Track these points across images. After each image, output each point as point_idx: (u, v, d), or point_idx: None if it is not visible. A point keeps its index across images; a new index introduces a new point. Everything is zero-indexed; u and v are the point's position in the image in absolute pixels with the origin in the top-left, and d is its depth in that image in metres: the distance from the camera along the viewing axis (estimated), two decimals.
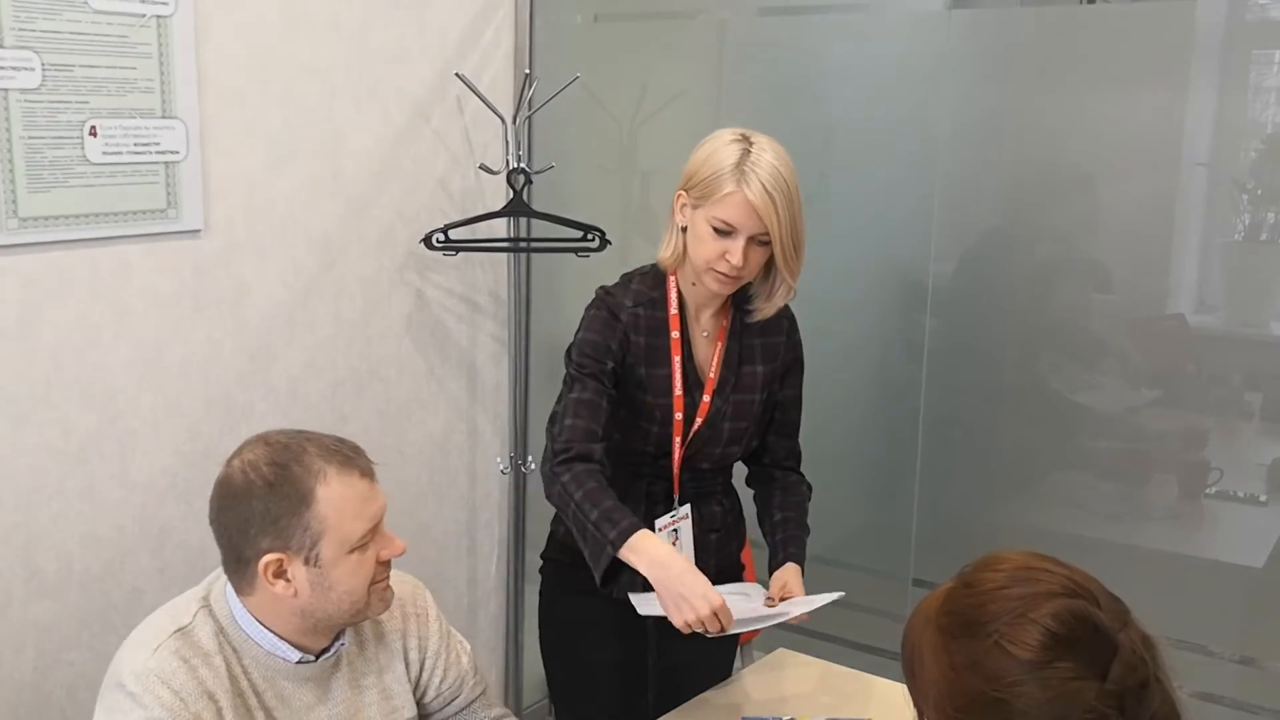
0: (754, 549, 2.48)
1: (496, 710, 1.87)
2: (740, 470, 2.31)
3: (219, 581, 1.65)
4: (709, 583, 1.85)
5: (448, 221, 2.98)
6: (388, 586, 1.65)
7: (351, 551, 1.56)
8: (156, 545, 2.57)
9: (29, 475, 2.33)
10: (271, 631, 1.61)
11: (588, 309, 2.11)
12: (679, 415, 2.10)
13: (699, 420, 2.11)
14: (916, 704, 1.10)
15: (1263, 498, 2.79)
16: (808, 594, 2.09)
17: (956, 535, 3.23)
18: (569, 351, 2.10)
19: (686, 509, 2.16)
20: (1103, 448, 3.03)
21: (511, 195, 3.00)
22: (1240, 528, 2.85)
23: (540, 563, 2.33)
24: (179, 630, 1.58)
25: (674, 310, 2.09)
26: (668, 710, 2.12)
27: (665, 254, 2.07)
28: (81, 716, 2.41)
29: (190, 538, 2.62)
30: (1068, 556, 3.45)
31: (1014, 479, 3.12)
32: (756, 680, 2.28)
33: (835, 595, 2.03)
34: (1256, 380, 2.76)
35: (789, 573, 2.12)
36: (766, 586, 2.14)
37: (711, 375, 2.12)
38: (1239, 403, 2.82)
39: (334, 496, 1.54)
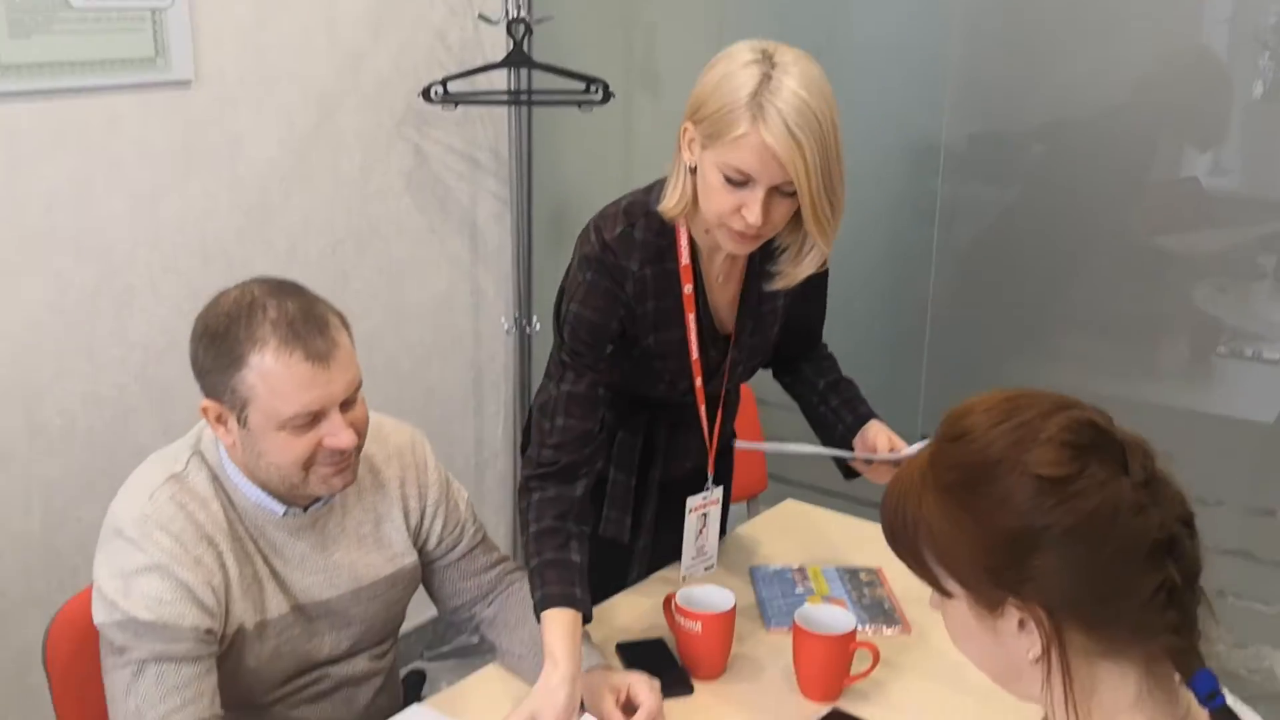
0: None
1: (496, 554, 1.86)
2: None
3: (207, 429, 1.61)
4: (572, 710, 1.55)
5: (446, 74, 2.88)
6: (339, 472, 1.54)
7: (281, 428, 1.47)
8: (159, 405, 2.55)
9: (27, 332, 2.30)
10: (254, 484, 1.56)
11: (583, 266, 1.72)
12: (699, 381, 1.85)
13: (725, 377, 1.90)
14: (934, 581, 1.05)
15: (1274, 356, 2.78)
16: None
17: (964, 397, 3.21)
18: (560, 320, 1.78)
19: (719, 493, 1.97)
20: (1114, 308, 3.00)
21: (511, 46, 2.89)
22: (1251, 385, 2.83)
23: None
24: (173, 476, 1.55)
25: (685, 260, 1.74)
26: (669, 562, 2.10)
27: (671, 202, 1.65)
28: (89, 571, 2.43)
29: (193, 397, 2.60)
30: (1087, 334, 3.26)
31: (1024, 340, 3.09)
32: (765, 531, 2.28)
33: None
34: (1270, 242, 2.72)
35: (876, 431, 1.90)
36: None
37: (731, 330, 1.86)
38: (1252, 264, 2.79)
39: (266, 370, 1.45)
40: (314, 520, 1.63)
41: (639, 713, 1.55)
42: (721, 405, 1.99)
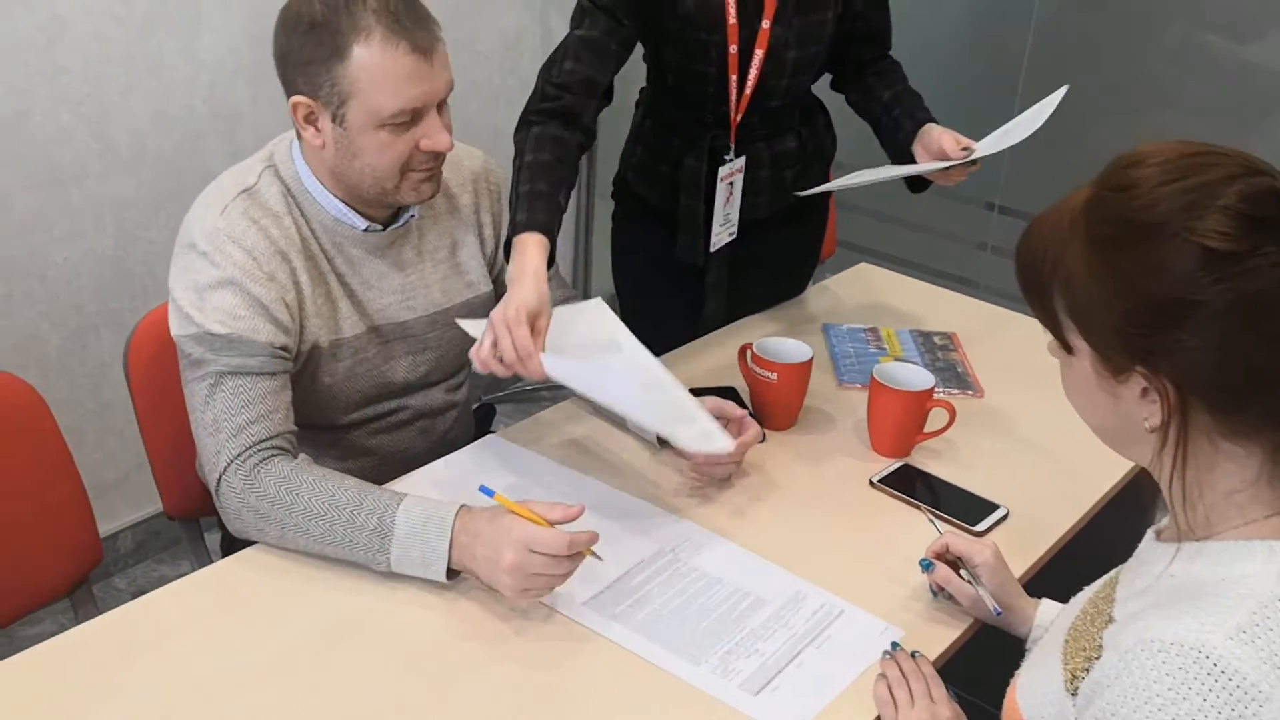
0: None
1: (567, 290, 1.83)
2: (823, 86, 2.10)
3: (283, 143, 1.57)
4: (527, 308, 1.45)
5: None
6: (429, 178, 1.51)
7: (381, 127, 1.43)
8: (227, 128, 2.50)
9: (95, 43, 2.24)
10: (336, 197, 1.53)
11: None
12: (733, 49, 1.82)
13: (758, 53, 1.84)
14: (1059, 333, 0.98)
15: None
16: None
17: (1050, 165, 3.12)
18: None
19: (740, 162, 1.94)
20: (1215, 85, 2.85)
21: None
22: None
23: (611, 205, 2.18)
24: (245, 191, 1.50)
25: None
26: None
27: None
28: (162, 292, 2.43)
29: (261, 123, 2.55)
30: None
31: (1117, 112, 2.96)
32: (838, 292, 2.25)
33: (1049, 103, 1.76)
34: None
35: (938, 133, 1.85)
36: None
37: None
38: None
39: (370, 61, 1.39)
40: (392, 239, 1.60)
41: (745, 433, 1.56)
42: (790, 118, 1.97)
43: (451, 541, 1.32)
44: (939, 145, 1.84)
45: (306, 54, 1.41)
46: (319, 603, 1.33)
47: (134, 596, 1.34)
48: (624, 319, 1.73)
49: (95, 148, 2.31)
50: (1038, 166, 3.12)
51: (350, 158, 1.47)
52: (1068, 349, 0.98)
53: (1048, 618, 1.28)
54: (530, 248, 1.53)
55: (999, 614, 1.29)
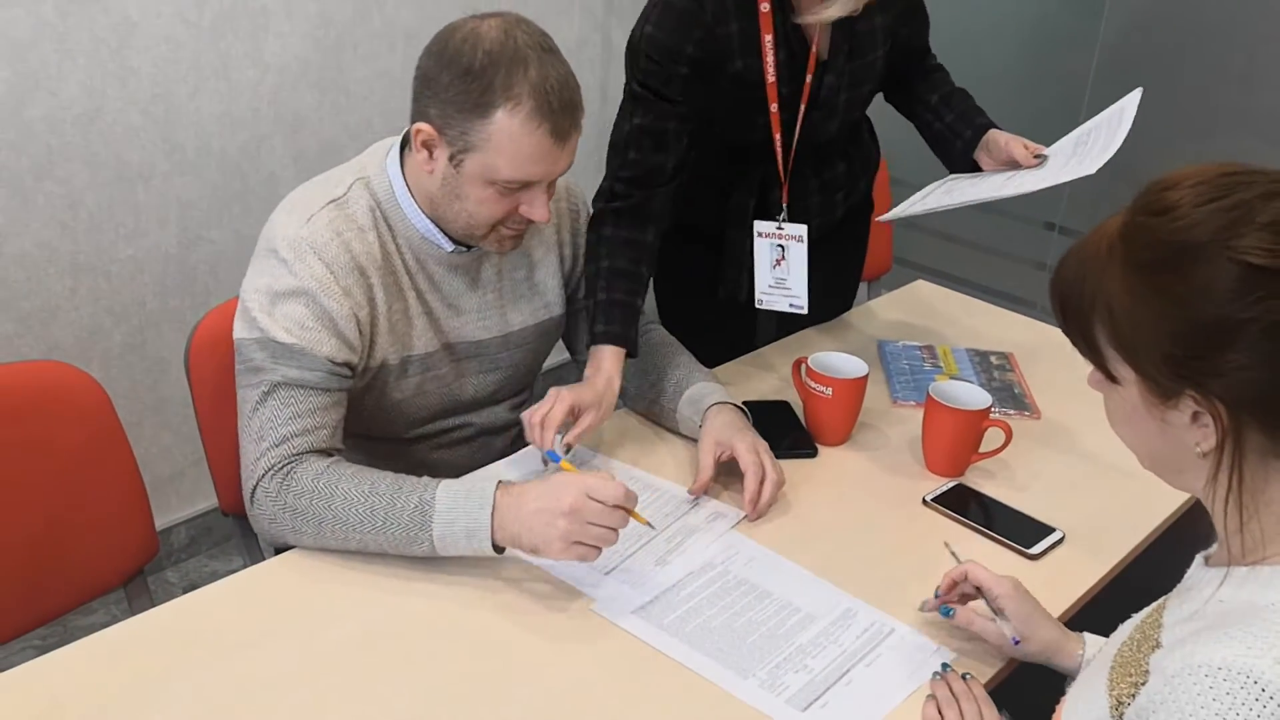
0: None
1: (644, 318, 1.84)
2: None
3: (377, 153, 1.58)
4: (607, 404, 1.61)
5: None
6: (514, 238, 1.54)
7: (492, 184, 1.45)
8: (291, 132, 2.54)
9: (165, 46, 2.28)
10: (427, 216, 1.53)
11: None
12: (774, 107, 1.79)
13: (802, 107, 1.81)
14: (1102, 363, 0.97)
15: None
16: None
17: (1112, 186, 3.08)
18: (632, 46, 1.73)
19: (801, 231, 1.88)
20: None
21: None
22: None
23: None
24: (333, 201, 1.51)
25: None
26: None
27: None
28: (222, 291, 2.49)
29: (324, 129, 2.59)
30: None
31: (1182, 134, 2.91)
32: (894, 309, 2.23)
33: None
34: None
35: (1005, 140, 1.82)
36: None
37: (814, 47, 1.76)
38: None
39: (508, 130, 1.40)
40: (475, 259, 1.61)
41: (749, 484, 1.53)
42: (837, 147, 1.94)
43: (494, 509, 1.34)
44: (1008, 154, 1.81)
45: (451, 94, 1.41)
46: (367, 604, 1.33)
47: (186, 590, 1.36)
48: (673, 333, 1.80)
49: (163, 148, 2.35)
50: (1101, 188, 3.07)
51: (453, 198, 1.49)
52: (1112, 379, 0.97)
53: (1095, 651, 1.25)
54: (606, 359, 1.64)
55: (1017, 643, 1.26)
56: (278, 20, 2.44)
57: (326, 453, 1.47)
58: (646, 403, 1.74)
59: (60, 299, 2.30)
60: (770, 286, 1.92)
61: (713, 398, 1.64)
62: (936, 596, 1.33)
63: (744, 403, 1.73)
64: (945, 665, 1.25)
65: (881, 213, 2.04)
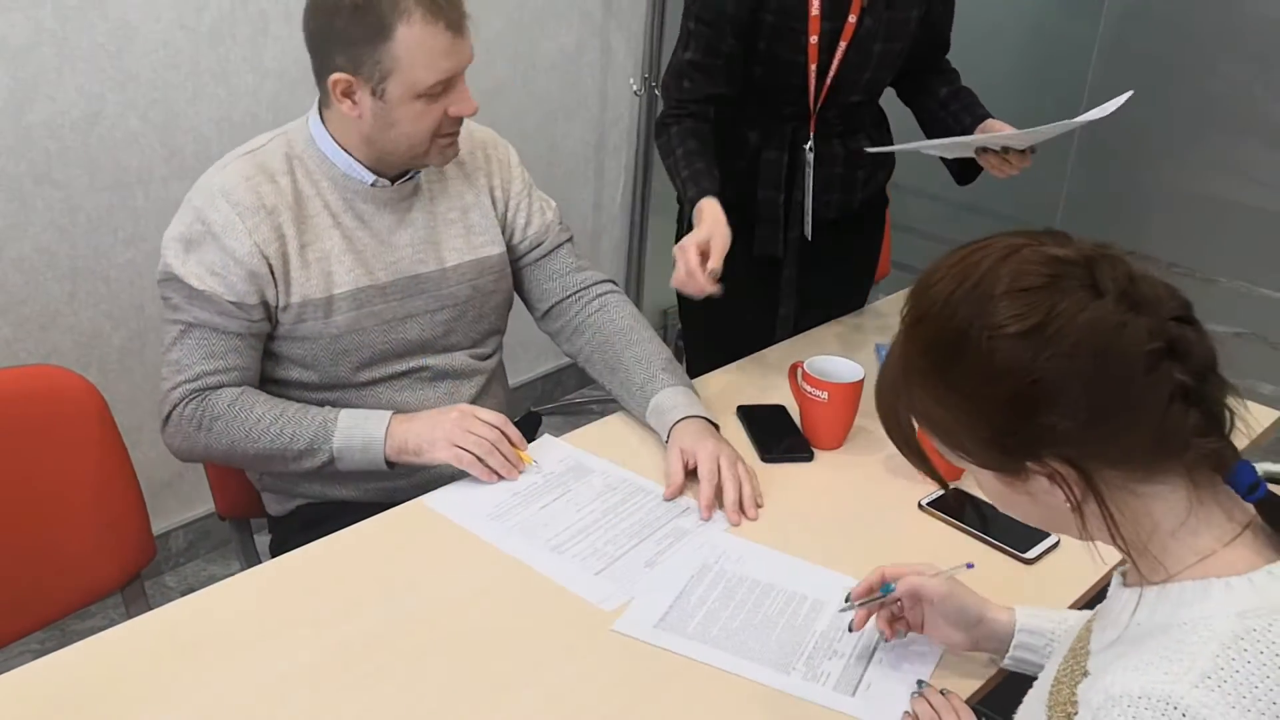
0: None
1: (586, 263, 1.88)
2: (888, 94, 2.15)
3: (297, 120, 1.67)
4: (695, 240, 1.73)
5: None
6: (452, 143, 1.63)
7: (418, 98, 1.54)
8: None
9: (164, 51, 2.29)
10: (347, 153, 1.61)
11: None
12: (814, 39, 1.91)
13: (842, 44, 1.92)
14: (936, 466, 1.01)
15: None
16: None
17: (1109, 189, 3.09)
18: None
19: (809, 158, 2.02)
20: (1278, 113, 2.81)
21: None
22: None
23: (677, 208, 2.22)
24: (248, 152, 1.62)
25: None
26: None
27: None
28: None
29: None
30: (1224, 224, 3.32)
31: (1178, 139, 2.93)
32: (891, 311, 2.23)
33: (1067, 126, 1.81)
34: None
35: (996, 126, 1.98)
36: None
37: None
38: None
39: (411, 39, 1.50)
40: (402, 195, 1.67)
41: (702, 487, 1.56)
42: (863, 118, 2.07)
43: (389, 428, 1.56)
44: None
45: (350, 34, 1.51)
46: (367, 605, 1.34)
47: (184, 595, 1.36)
48: (692, 324, 2.01)
49: (161, 153, 2.35)
50: (1097, 190, 3.09)
51: (387, 127, 1.57)
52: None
53: (1032, 623, 1.25)
54: (705, 209, 1.80)
55: (970, 566, 1.28)
56: (276, 25, 2.44)
57: (238, 386, 1.60)
58: (621, 400, 1.76)
59: (59, 303, 2.30)
60: (810, 216, 2.06)
61: (676, 413, 1.65)
62: (848, 600, 1.30)
63: (739, 407, 1.74)
64: (921, 682, 1.26)
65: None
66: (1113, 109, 1.77)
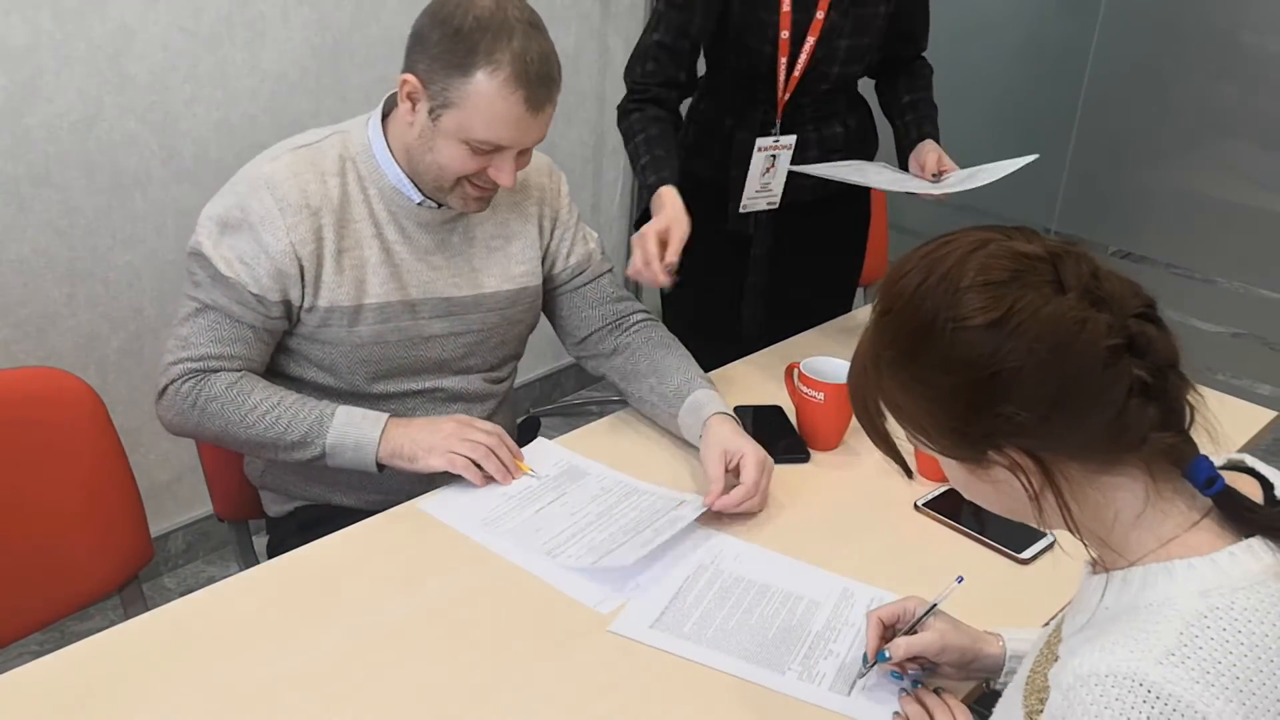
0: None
1: (625, 293, 1.87)
2: (865, 82, 2.19)
3: (359, 118, 1.64)
4: (655, 229, 1.74)
5: None
6: (480, 198, 1.61)
7: (465, 143, 1.52)
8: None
9: (162, 53, 2.29)
10: (403, 169, 1.60)
11: None
12: (785, 33, 1.96)
13: (810, 40, 1.97)
14: (921, 467, 1.02)
15: None
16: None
17: (1104, 194, 3.09)
18: None
19: (790, 140, 2.06)
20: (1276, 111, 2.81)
21: None
22: None
23: None
24: (304, 145, 1.60)
25: None
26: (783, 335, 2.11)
27: None
28: None
29: None
30: (1220, 224, 3.34)
31: (1174, 141, 2.93)
32: None
33: (1012, 165, 1.90)
34: None
35: (928, 150, 2.05)
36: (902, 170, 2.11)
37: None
38: None
39: (486, 91, 1.47)
40: (444, 218, 1.66)
41: (736, 490, 1.54)
42: (837, 106, 2.12)
43: (384, 431, 1.55)
44: (924, 159, 2.04)
45: (438, 50, 1.49)
46: (365, 607, 1.34)
47: (182, 596, 1.36)
48: (671, 299, 2.04)
49: (160, 155, 2.36)
50: (1092, 194, 3.09)
51: (426, 150, 1.56)
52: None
53: (1021, 647, 1.25)
54: (666, 196, 1.82)
55: (961, 580, 1.27)
56: (275, 28, 2.45)
57: (238, 371, 1.59)
58: (649, 405, 1.75)
59: (57, 306, 2.31)
60: (755, 193, 2.10)
61: (712, 407, 1.65)
62: (866, 662, 1.27)
63: (736, 408, 1.74)
64: (916, 683, 1.26)
65: (879, 221, 2.16)
66: (1013, 169, 1.91)
